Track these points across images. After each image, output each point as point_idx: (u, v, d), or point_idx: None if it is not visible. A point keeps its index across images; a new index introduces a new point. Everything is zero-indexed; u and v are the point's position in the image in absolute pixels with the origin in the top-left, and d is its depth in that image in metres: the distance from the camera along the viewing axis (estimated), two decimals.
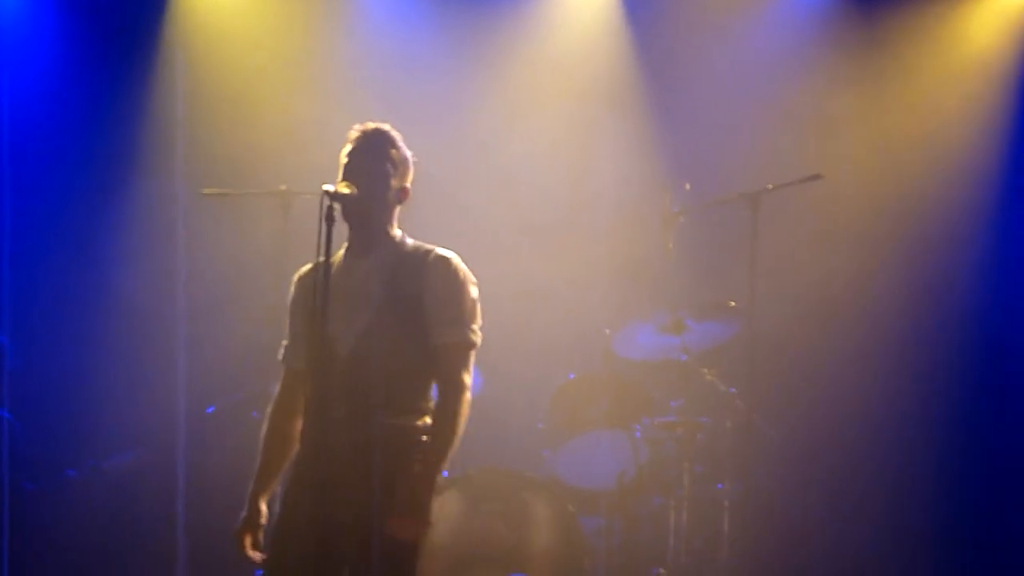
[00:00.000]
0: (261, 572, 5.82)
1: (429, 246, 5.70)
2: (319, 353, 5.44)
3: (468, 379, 5.59)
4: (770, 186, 7.88)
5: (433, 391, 5.66)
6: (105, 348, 9.77)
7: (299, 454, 5.65)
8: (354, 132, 5.68)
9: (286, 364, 5.86)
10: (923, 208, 9.81)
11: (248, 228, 9.51)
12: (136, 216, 9.87)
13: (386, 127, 5.70)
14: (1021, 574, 9.50)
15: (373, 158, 5.61)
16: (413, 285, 5.59)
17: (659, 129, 9.89)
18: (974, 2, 9.87)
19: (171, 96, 9.96)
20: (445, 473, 8.21)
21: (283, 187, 8.20)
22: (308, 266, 5.80)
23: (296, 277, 5.89)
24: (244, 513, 5.67)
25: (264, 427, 5.81)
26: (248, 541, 5.64)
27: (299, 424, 5.72)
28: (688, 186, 8.67)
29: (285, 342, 5.88)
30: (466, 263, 5.69)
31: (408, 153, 5.73)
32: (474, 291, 5.66)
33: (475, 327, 5.63)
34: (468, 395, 5.57)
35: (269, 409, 5.84)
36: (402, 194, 5.71)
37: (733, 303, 8.79)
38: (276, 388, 5.88)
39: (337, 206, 5.40)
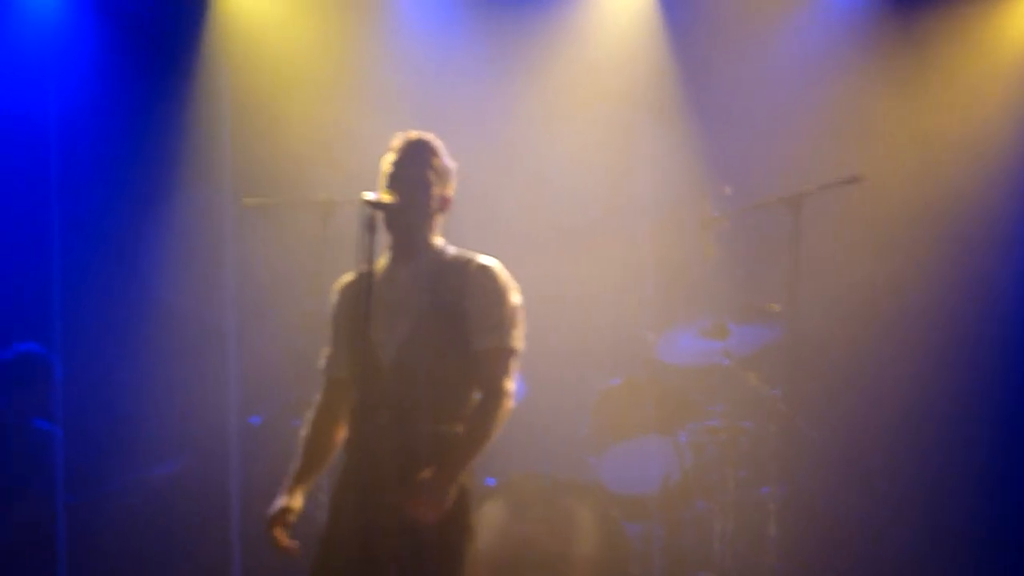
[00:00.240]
0: None
1: (471, 254, 5.71)
2: (362, 361, 5.46)
3: (509, 385, 5.60)
4: (811, 189, 7.86)
5: (476, 398, 5.67)
6: (151, 358, 9.82)
7: (344, 461, 5.67)
8: (397, 141, 5.71)
9: (328, 373, 5.88)
10: (964, 209, 9.77)
11: (289, 237, 9.54)
12: (181, 226, 9.92)
13: (429, 136, 5.73)
14: None
15: (416, 167, 5.64)
16: (455, 293, 5.61)
17: (698, 133, 9.87)
18: (1013, 2, 9.82)
19: (214, 105, 10.01)
20: (491, 481, 8.27)
21: (324, 196, 8.21)
22: (350, 275, 5.82)
23: (338, 286, 5.91)
24: (278, 502, 5.67)
25: (304, 430, 5.83)
26: (279, 528, 5.63)
27: (339, 431, 5.76)
28: (728, 190, 8.65)
29: (327, 351, 5.89)
30: (508, 270, 5.70)
31: (450, 162, 5.75)
32: (516, 298, 5.67)
33: (517, 333, 5.64)
34: (509, 402, 5.57)
35: (310, 415, 5.86)
36: (444, 203, 5.73)
37: (775, 306, 8.76)
38: (318, 396, 5.90)
39: (379, 215, 5.43)
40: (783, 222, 7.87)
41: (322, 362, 5.91)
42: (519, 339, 5.64)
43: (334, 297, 5.90)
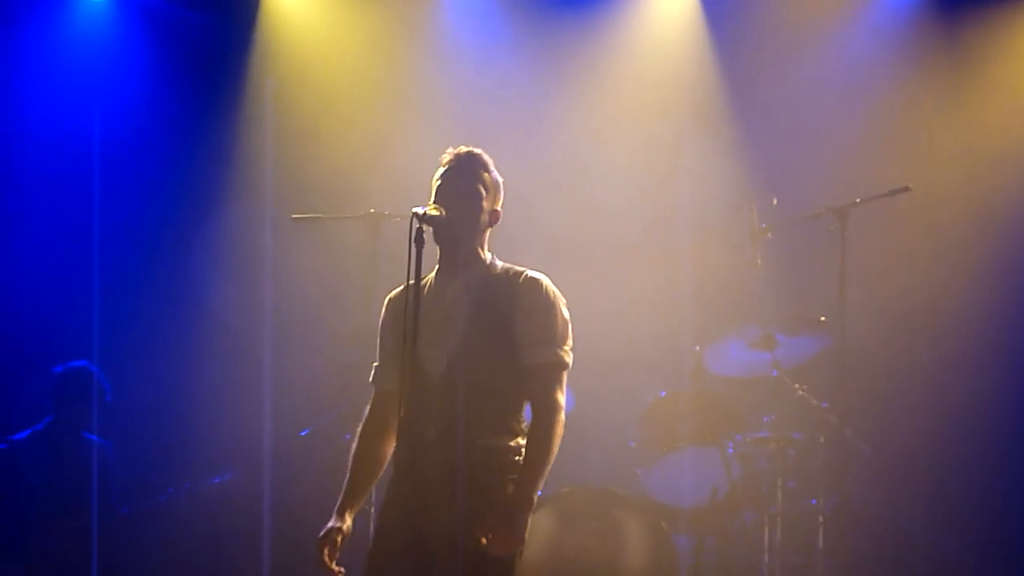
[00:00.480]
0: None
1: (520, 268, 5.71)
2: (410, 375, 5.47)
3: (562, 399, 5.59)
4: (858, 199, 7.84)
5: (525, 412, 5.66)
6: (197, 371, 9.88)
7: (393, 475, 5.66)
8: (447, 155, 5.72)
9: (377, 385, 5.88)
10: (1011, 218, 9.74)
11: (337, 251, 9.58)
12: (227, 241, 9.97)
13: (478, 151, 5.74)
14: None
15: (465, 181, 5.65)
16: (504, 306, 5.61)
17: (744, 144, 9.87)
18: None
19: (260, 121, 10.06)
20: (539, 493, 8.26)
21: (371, 210, 8.23)
22: (399, 288, 5.82)
23: (387, 299, 5.91)
24: (329, 524, 5.68)
25: (354, 446, 5.83)
26: (327, 552, 5.64)
27: (389, 445, 5.74)
28: (775, 201, 8.65)
29: (376, 364, 5.91)
30: (555, 283, 5.71)
31: (499, 177, 5.76)
32: (565, 312, 5.67)
33: (567, 347, 5.63)
34: (562, 415, 5.57)
35: (359, 429, 5.85)
36: (493, 217, 5.74)
37: (823, 317, 8.75)
38: (367, 409, 5.91)
39: (428, 228, 5.44)
40: (830, 232, 7.85)
41: (371, 374, 5.92)
42: (569, 353, 5.64)
43: (383, 310, 5.91)
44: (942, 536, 9.60)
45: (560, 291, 5.70)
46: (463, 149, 5.72)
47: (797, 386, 8.81)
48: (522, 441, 5.60)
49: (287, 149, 10.09)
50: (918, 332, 9.79)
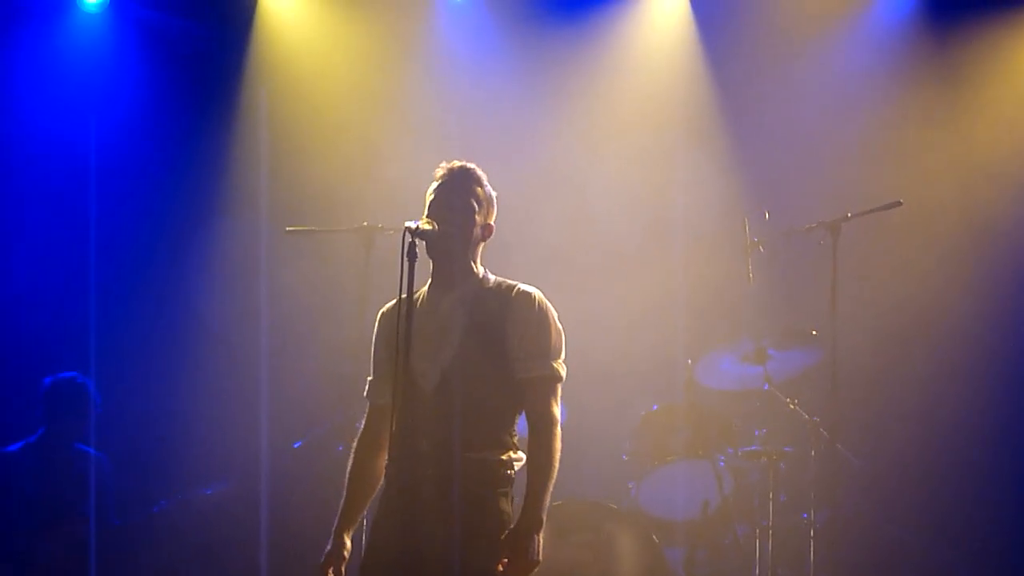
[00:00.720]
0: None
1: (512, 282, 5.73)
2: (403, 388, 5.48)
3: (558, 412, 5.61)
4: (849, 214, 7.86)
5: (518, 425, 5.67)
6: (191, 382, 9.88)
7: (385, 489, 5.67)
8: (441, 170, 5.74)
9: (371, 400, 5.89)
10: (1004, 232, 9.76)
11: (331, 263, 9.59)
12: (221, 252, 9.98)
13: (472, 165, 5.76)
14: None
15: (459, 195, 5.67)
16: (497, 320, 5.63)
17: (737, 158, 9.90)
18: None
19: (254, 132, 10.07)
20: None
21: (364, 223, 8.24)
22: (392, 302, 5.82)
23: (380, 313, 5.92)
24: (328, 547, 5.70)
25: (349, 463, 5.84)
26: (331, 574, 5.68)
27: (382, 458, 5.73)
28: (767, 214, 8.66)
29: (370, 378, 5.92)
30: (547, 295, 5.72)
31: (493, 191, 5.78)
32: (558, 325, 5.69)
33: (561, 360, 5.66)
34: (559, 429, 5.58)
35: (354, 444, 5.87)
36: (486, 231, 5.76)
37: (815, 331, 8.76)
38: (361, 423, 5.92)
39: (421, 242, 5.46)
40: (822, 246, 7.87)
41: (365, 389, 5.94)
42: (563, 365, 5.66)
43: (376, 324, 5.92)
44: (934, 549, 9.62)
45: (553, 304, 5.72)
46: (457, 164, 5.74)
47: (789, 400, 8.82)
48: (514, 455, 5.61)
49: (281, 160, 10.10)
50: (909, 346, 9.80)
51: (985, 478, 9.67)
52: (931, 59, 9.87)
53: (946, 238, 9.82)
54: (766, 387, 8.83)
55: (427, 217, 5.62)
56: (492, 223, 5.79)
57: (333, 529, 5.72)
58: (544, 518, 5.49)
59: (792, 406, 8.79)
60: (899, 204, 7.86)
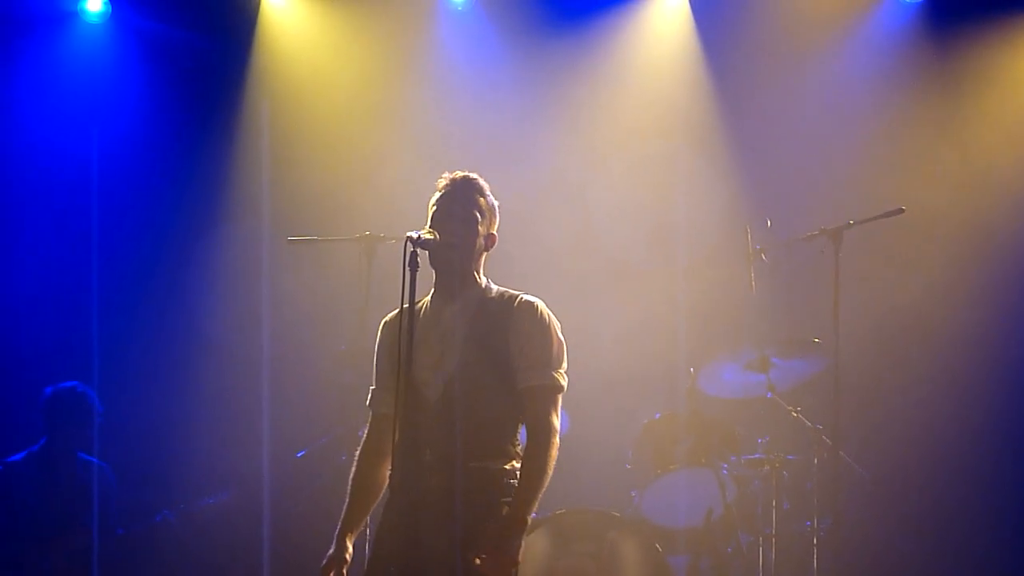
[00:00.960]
0: None
1: (515, 292, 5.74)
2: (406, 398, 5.48)
3: (557, 422, 5.60)
4: (852, 222, 7.85)
5: (520, 435, 5.68)
6: (193, 392, 9.88)
7: (388, 498, 5.67)
8: (443, 180, 5.74)
9: (374, 409, 5.89)
10: (1006, 240, 9.77)
11: (333, 272, 9.60)
12: (223, 261, 9.98)
13: (475, 175, 5.76)
14: None
15: (461, 205, 5.67)
16: (499, 330, 5.63)
17: (739, 166, 9.90)
18: None
19: (256, 142, 10.08)
20: (534, 515, 8.26)
21: (366, 233, 8.23)
22: (395, 311, 5.82)
23: (383, 323, 5.93)
24: (330, 551, 5.70)
25: (352, 471, 5.85)
26: None
27: (387, 468, 5.72)
28: (769, 222, 8.66)
29: (373, 387, 5.92)
30: (550, 304, 5.72)
31: (495, 201, 5.79)
32: (560, 335, 5.69)
33: (562, 371, 5.65)
34: (557, 439, 5.58)
35: (357, 453, 5.87)
36: (489, 241, 5.77)
37: (817, 339, 8.76)
38: (364, 432, 5.93)
39: (423, 252, 5.46)
40: (824, 254, 7.86)
41: (368, 398, 5.94)
42: (564, 375, 5.66)
43: (379, 333, 5.93)
44: (937, 557, 9.61)
45: (555, 312, 5.72)
46: (459, 174, 5.75)
47: (791, 408, 8.81)
48: (517, 464, 5.61)
49: (282, 170, 10.11)
50: (912, 354, 9.80)
51: (988, 486, 9.66)
52: (932, 67, 9.88)
53: (948, 245, 9.83)
54: (769, 395, 8.81)
55: (429, 227, 5.62)
56: (495, 233, 5.79)
57: (335, 533, 5.73)
58: (529, 521, 5.50)
59: (795, 414, 8.77)
60: (901, 211, 7.86)
